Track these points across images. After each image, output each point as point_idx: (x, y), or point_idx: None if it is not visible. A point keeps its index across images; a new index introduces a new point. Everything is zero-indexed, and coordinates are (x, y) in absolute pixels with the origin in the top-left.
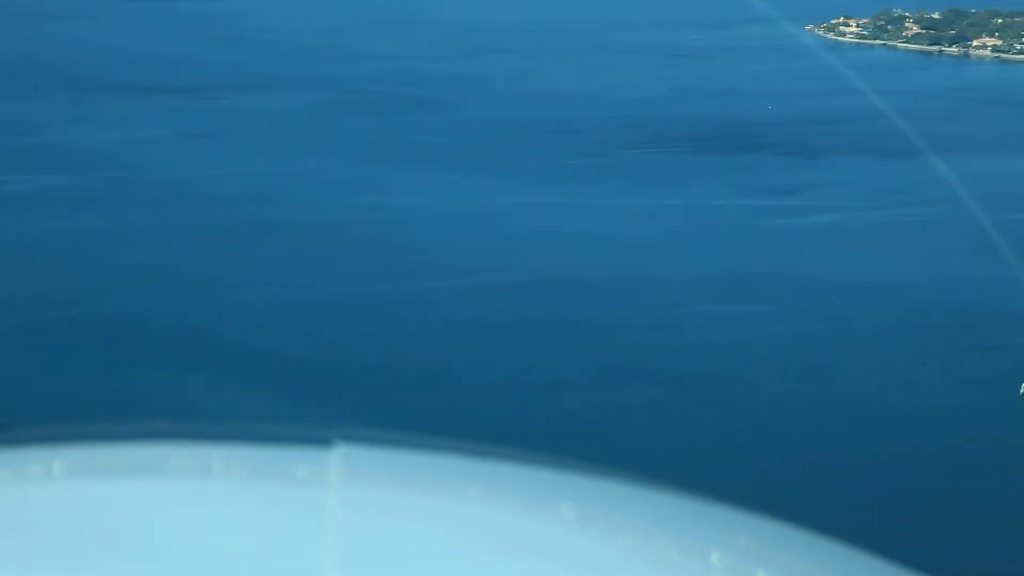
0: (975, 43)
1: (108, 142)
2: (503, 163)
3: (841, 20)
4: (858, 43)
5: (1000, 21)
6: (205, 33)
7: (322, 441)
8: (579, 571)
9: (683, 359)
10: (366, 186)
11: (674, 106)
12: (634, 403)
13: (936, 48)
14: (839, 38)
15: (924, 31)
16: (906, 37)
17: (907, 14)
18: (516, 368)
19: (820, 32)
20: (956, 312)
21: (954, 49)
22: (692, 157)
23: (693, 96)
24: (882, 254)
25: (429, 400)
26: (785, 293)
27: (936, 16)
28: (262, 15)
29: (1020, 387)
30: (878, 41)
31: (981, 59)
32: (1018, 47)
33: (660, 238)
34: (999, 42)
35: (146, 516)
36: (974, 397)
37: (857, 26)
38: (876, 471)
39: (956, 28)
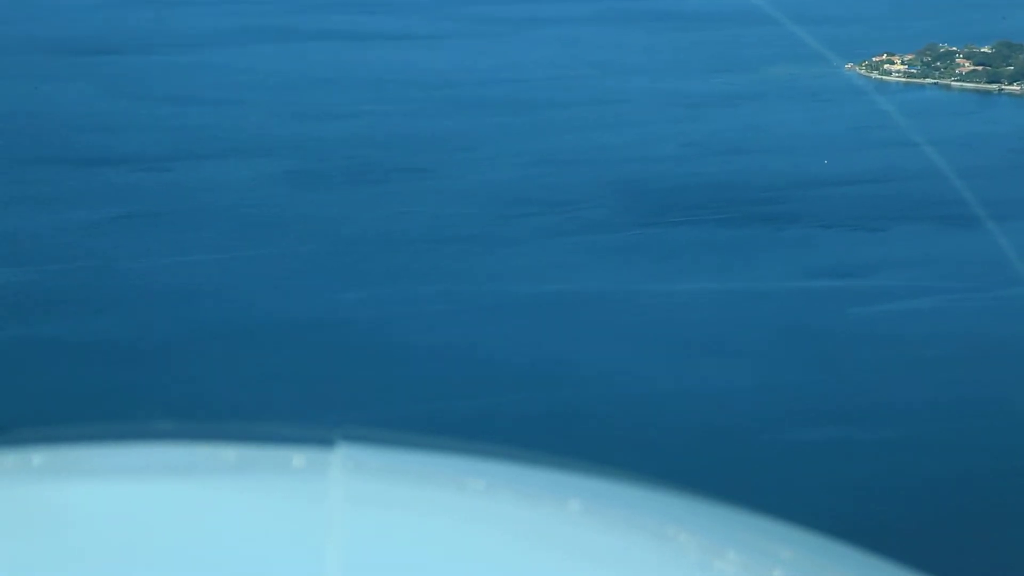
0: None
1: (50, 226)
2: (508, 243)
3: (885, 57)
4: (907, 82)
5: None
6: (149, 91)
7: (324, 440)
8: (583, 562)
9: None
10: (354, 275)
11: (694, 166)
12: None
13: (996, 86)
14: (884, 77)
15: (979, 67)
16: (960, 75)
17: (955, 49)
18: None
19: (862, 71)
20: None
21: (1016, 87)
22: (724, 230)
23: (716, 153)
24: (1011, 355)
25: None
26: (906, 411)
27: (987, 50)
28: (213, 69)
29: None
30: (929, 80)
31: None
32: None
33: (717, 334)
34: None
35: (147, 516)
36: None
37: (903, 63)
38: None
39: (1014, 63)
